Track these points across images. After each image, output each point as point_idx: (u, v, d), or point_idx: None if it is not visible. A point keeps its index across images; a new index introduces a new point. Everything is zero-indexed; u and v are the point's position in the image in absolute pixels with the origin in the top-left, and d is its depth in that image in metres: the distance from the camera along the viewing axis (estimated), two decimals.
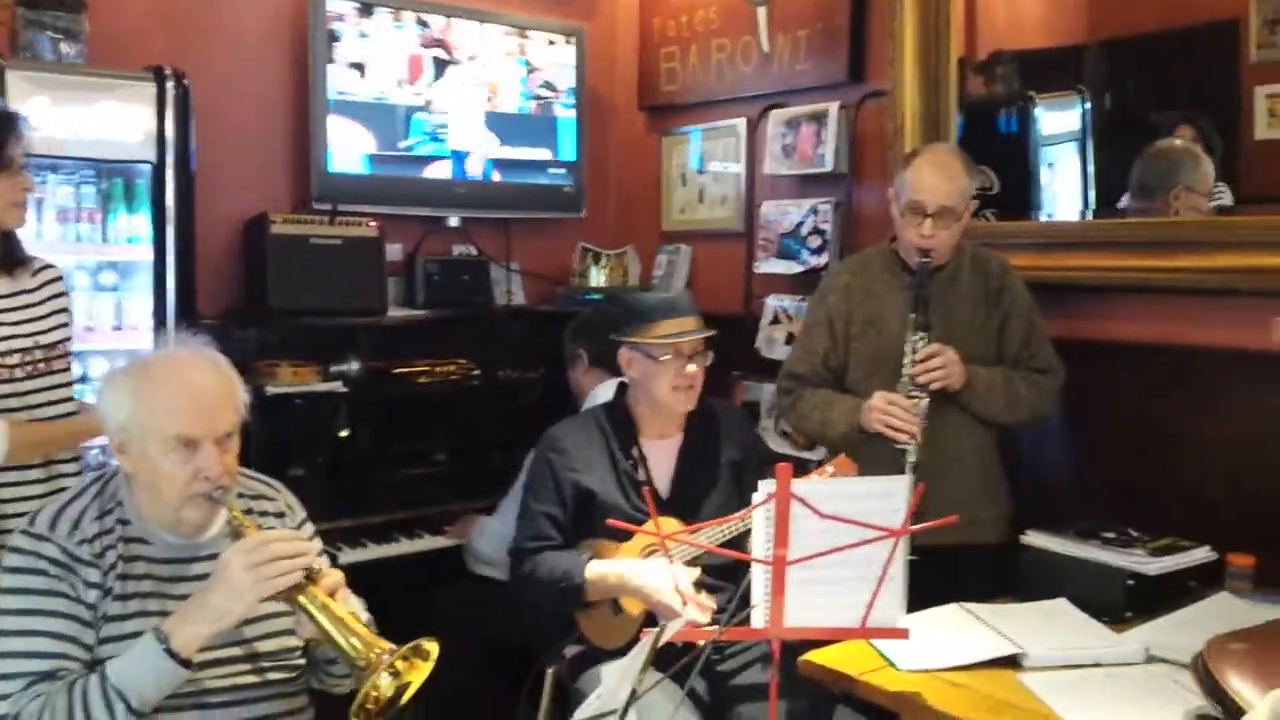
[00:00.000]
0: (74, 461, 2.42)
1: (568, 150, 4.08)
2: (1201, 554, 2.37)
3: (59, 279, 2.48)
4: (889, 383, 2.58)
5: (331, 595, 1.78)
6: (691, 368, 2.52)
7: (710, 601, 2.32)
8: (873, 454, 2.53)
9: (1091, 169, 3.25)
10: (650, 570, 2.36)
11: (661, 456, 2.60)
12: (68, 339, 2.48)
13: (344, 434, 3.37)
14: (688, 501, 2.52)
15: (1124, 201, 3.09)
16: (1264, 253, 2.54)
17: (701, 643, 1.82)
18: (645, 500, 2.39)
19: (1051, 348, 2.71)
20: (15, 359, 2.33)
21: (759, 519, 1.84)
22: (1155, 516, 2.49)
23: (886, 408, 2.52)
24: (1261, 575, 2.36)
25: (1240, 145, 2.89)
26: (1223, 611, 2.21)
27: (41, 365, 2.37)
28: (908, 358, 2.53)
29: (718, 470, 2.59)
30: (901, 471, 2.41)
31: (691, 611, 2.25)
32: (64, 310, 2.47)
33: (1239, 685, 1.66)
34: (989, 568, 2.59)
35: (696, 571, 2.36)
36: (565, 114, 4.07)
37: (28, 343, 2.36)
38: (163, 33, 3.35)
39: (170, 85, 3.02)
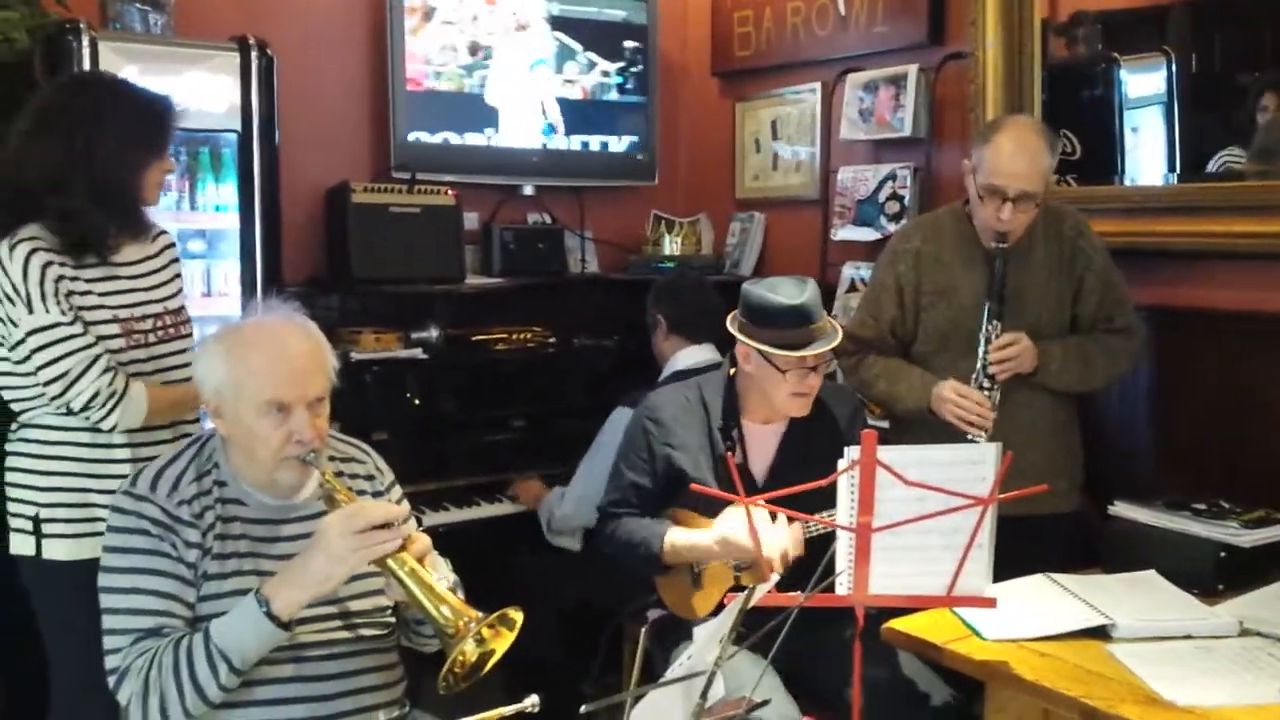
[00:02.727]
0: (196, 423, 2.48)
1: (640, 118, 4.07)
2: None
3: (174, 244, 2.54)
4: (958, 359, 2.54)
5: (420, 560, 1.82)
6: (813, 378, 2.41)
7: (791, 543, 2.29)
8: (941, 425, 2.50)
9: (1177, 133, 3.16)
10: (727, 521, 2.32)
11: (763, 442, 2.52)
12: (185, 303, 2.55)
13: (416, 401, 3.41)
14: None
15: (1214, 163, 3.00)
16: None
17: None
18: (729, 486, 2.38)
19: (1130, 307, 2.63)
20: (148, 324, 2.39)
21: (844, 486, 1.84)
22: (1246, 488, 2.44)
23: (960, 400, 2.47)
24: None
25: None
26: None
27: (171, 330, 2.43)
28: (981, 347, 2.47)
29: (821, 462, 2.49)
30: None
31: (780, 537, 2.24)
32: (180, 275, 2.53)
33: None
34: (1061, 537, 2.55)
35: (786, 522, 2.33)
36: (638, 80, 4.06)
37: (158, 308, 2.42)
38: (243, 3, 3.40)
39: (254, 55, 3.06)
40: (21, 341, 2.24)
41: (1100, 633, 2.01)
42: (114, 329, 2.32)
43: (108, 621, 1.82)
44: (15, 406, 2.36)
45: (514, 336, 3.63)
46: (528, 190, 3.95)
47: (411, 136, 3.61)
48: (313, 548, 1.79)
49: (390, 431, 3.09)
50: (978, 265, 2.57)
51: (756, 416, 2.53)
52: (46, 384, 2.24)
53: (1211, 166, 2.99)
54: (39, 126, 2.30)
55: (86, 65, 2.81)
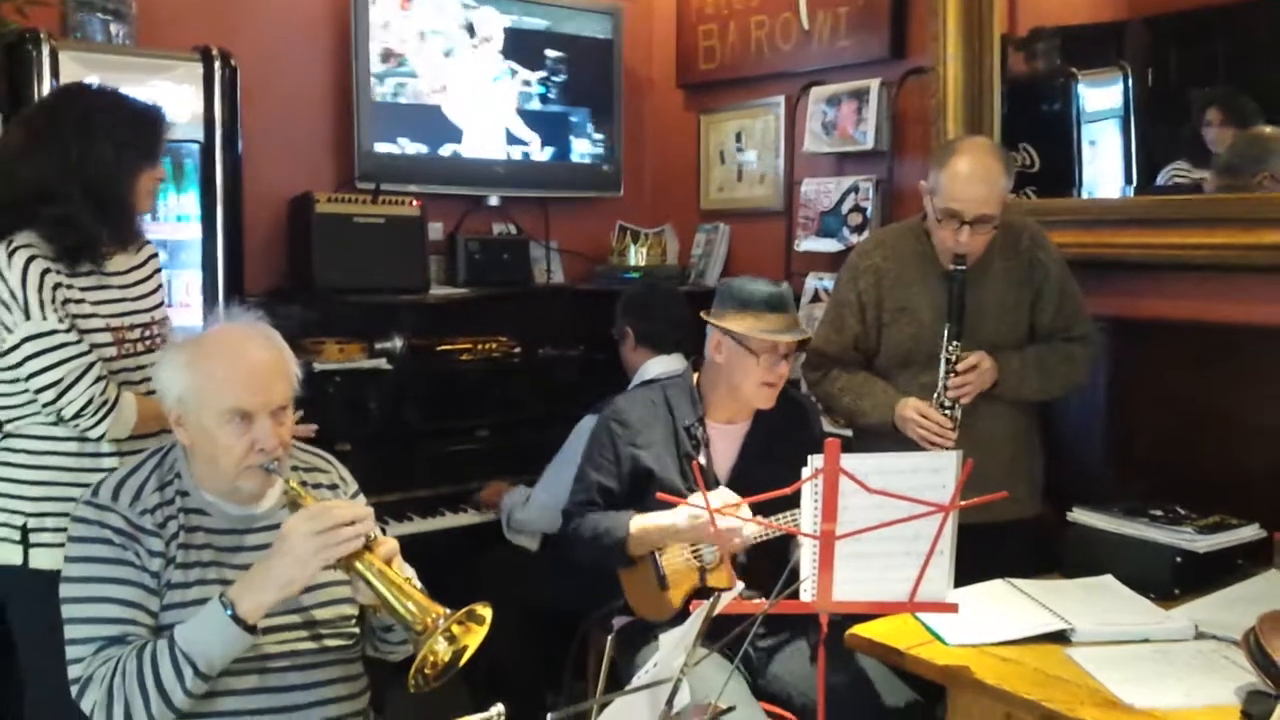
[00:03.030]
0: None
1: (605, 129, 4.09)
2: (1250, 532, 2.36)
3: (158, 254, 2.54)
4: (920, 373, 2.58)
5: (388, 563, 1.81)
6: (783, 367, 2.48)
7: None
8: (905, 437, 2.53)
9: (1133, 146, 3.22)
10: (692, 510, 2.34)
11: (726, 442, 2.57)
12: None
13: (380, 411, 3.40)
14: (746, 490, 2.51)
15: (1163, 176, 3.06)
16: None
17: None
18: (697, 478, 2.40)
19: (1087, 315, 2.68)
20: (136, 333, 2.39)
21: (808, 494, 1.85)
22: (1201, 494, 2.48)
23: (922, 421, 2.50)
24: None
25: None
26: (1272, 589, 2.21)
27: (158, 339, 2.43)
28: (942, 368, 2.50)
29: (782, 462, 2.53)
30: None
31: (735, 521, 2.27)
32: (163, 285, 2.53)
33: None
34: (1022, 543, 2.58)
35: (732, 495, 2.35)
36: (603, 93, 4.08)
37: (145, 318, 2.42)
38: (206, 13, 3.38)
39: (217, 65, 3.05)
40: (16, 347, 2.23)
41: (1060, 637, 2.04)
42: (106, 337, 2.32)
43: (70, 631, 1.80)
44: (2, 415, 2.34)
45: (479, 347, 3.63)
46: (493, 201, 3.95)
47: (376, 147, 3.60)
48: (277, 550, 1.77)
49: (354, 442, 3.07)
50: (937, 282, 2.59)
51: (720, 416, 2.57)
52: (39, 391, 2.23)
53: (1160, 180, 3.06)
54: (31, 137, 2.30)
55: (47, 75, 2.79)
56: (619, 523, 2.46)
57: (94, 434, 2.27)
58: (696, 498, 2.32)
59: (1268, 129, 2.84)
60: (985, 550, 2.31)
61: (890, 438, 2.55)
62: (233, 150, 3.10)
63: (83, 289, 2.30)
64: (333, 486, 2.08)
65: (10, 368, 2.26)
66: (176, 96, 3.01)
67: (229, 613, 1.73)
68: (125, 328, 2.36)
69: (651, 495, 2.37)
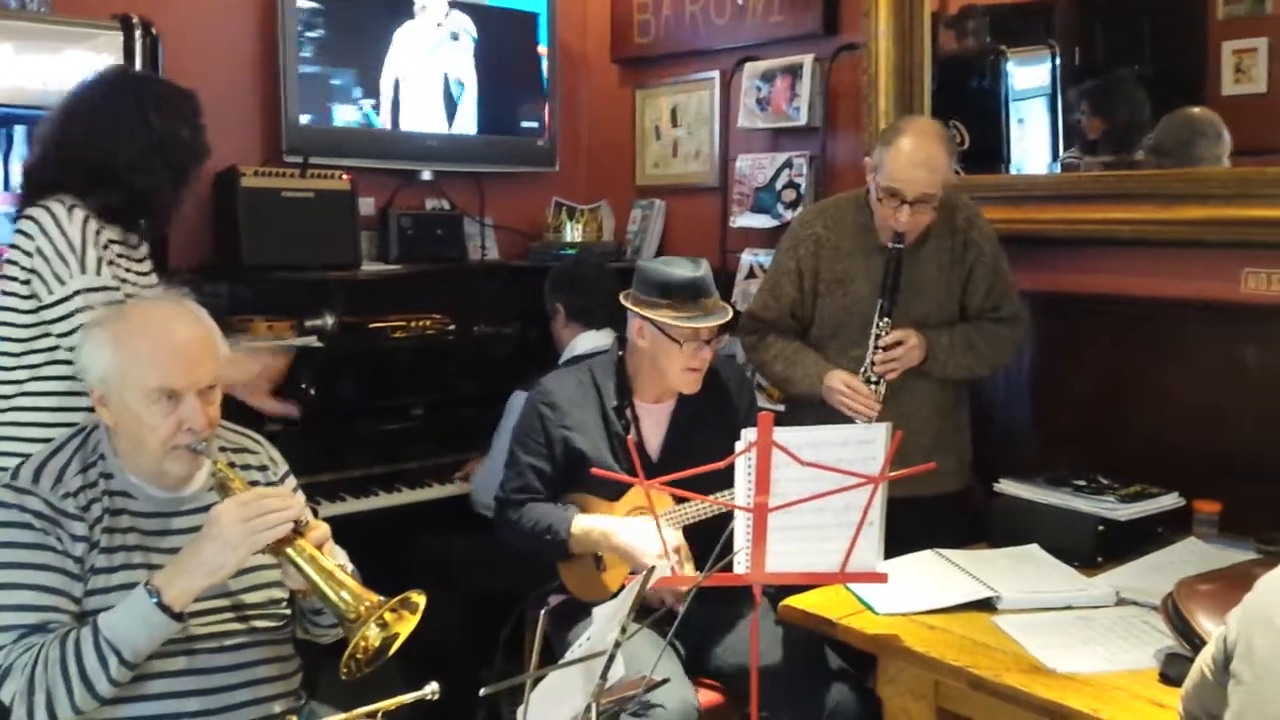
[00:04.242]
0: None
1: (540, 104, 4.06)
2: (1169, 500, 2.43)
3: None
4: (850, 346, 2.61)
5: (319, 548, 1.79)
6: (706, 352, 2.48)
7: (692, 570, 2.33)
8: (831, 410, 2.56)
9: (1060, 123, 3.28)
10: (636, 530, 2.37)
11: (655, 420, 2.58)
12: None
13: (311, 390, 3.35)
14: (678, 467, 2.51)
15: (1065, 155, 3.13)
16: (1232, 205, 2.58)
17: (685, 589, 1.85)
18: (627, 464, 2.41)
19: (1017, 296, 2.72)
20: None
21: (741, 467, 1.87)
22: (1124, 464, 2.55)
23: (847, 392, 2.53)
24: (1226, 521, 2.43)
25: (1207, 101, 2.92)
26: (1190, 556, 2.28)
27: None
28: (871, 343, 2.54)
29: (712, 436, 2.49)
30: None
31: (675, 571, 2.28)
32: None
33: (1208, 625, 1.72)
34: (951, 515, 2.64)
35: (680, 536, 2.37)
36: (537, 67, 4.04)
37: (150, 294, 2.46)
38: None
39: (138, 34, 2.95)
40: (67, 299, 2.24)
41: (987, 605, 2.09)
42: None
43: None
44: (19, 375, 2.33)
45: (412, 324, 3.58)
46: (426, 176, 3.89)
47: (304, 120, 3.53)
48: (205, 535, 1.75)
49: (284, 421, 3.02)
50: (875, 255, 2.62)
51: (648, 396, 2.58)
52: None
53: (1056, 166, 3.13)
54: (114, 114, 2.38)
55: None
56: (561, 522, 2.45)
57: None
58: (630, 525, 2.37)
59: (1195, 110, 2.90)
60: (916, 522, 2.37)
61: (821, 410, 2.58)
62: None
63: (117, 255, 2.40)
64: (262, 468, 2.05)
65: (53, 320, 2.27)
66: (95, 66, 2.88)
67: (154, 600, 1.70)
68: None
69: (586, 477, 2.37)
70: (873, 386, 2.53)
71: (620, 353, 2.62)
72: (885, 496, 1.91)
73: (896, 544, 2.28)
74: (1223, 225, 2.59)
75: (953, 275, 2.67)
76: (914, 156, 2.49)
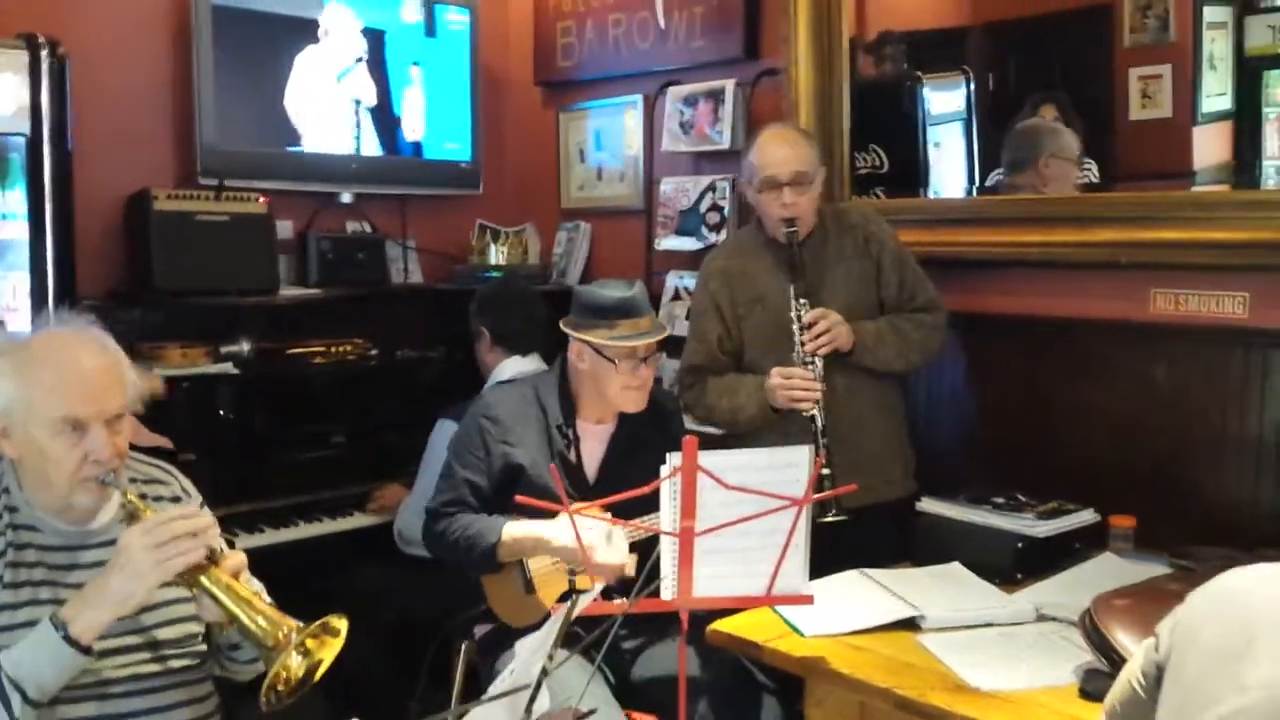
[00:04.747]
0: None
1: (463, 126, 4.03)
2: (1086, 516, 2.48)
3: None
4: (785, 355, 2.63)
5: (235, 576, 1.74)
6: (644, 370, 2.50)
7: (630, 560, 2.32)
8: (785, 429, 2.58)
9: (975, 148, 3.35)
10: (570, 528, 2.32)
11: (594, 441, 2.58)
12: None
13: (229, 419, 3.27)
14: (614, 489, 2.49)
15: (991, 179, 3.21)
16: (1141, 227, 2.65)
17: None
18: (568, 479, 2.40)
19: (930, 284, 2.78)
20: None
21: (666, 491, 1.86)
22: (1042, 481, 2.59)
23: (785, 381, 2.57)
24: (1141, 535, 2.49)
25: (1115, 125, 3.01)
26: (1106, 571, 2.32)
27: None
28: (795, 326, 2.59)
29: (649, 460, 2.52)
30: (815, 442, 2.45)
31: (614, 556, 2.28)
32: None
33: (1124, 639, 1.75)
34: (899, 524, 2.65)
35: (621, 531, 2.35)
36: (459, 89, 4.02)
37: None
38: None
39: (45, 54, 2.87)
40: None
41: (911, 624, 2.10)
42: None
43: None
44: None
45: (332, 349, 3.52)
46: (346, 198, 3.84)
47: (220, 142, 3.46)
48: (113, 565, 1.69)
49: (199, 451, 2.94)
50: (780, 270, 2.69)
51: (590, 416, 2.59)
52: None
53: (989, 183, 3.20)
54: None
55: None
56: (490, 527, 2.43)
57: None
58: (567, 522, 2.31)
59: (1037, 118, 3.05)
60: (866, 533, 2.41)
61: (770, 439, 2.59)
62: (62, 144, 2.92)
63: None
64: (174, 499, 1.99)
65: None
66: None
67: (61, 633, 1.64)
68: None
69: (521, 493, 2.34)
70: (808, 367, 2.56)
71: (563, 372, 2.61)
72: (809, 518, 1.92)
73: (848, 556, 2.35)
74: (1132, 247, 2.66)
75: (863, 268, 2.74)
76: (774, 141, 2.68)
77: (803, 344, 2.57)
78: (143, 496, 1.88)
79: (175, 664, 1.85)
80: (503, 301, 3.27)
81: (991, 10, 3.35)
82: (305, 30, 3.65)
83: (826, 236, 2.74)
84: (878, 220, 2.81)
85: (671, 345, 2.96)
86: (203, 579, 1.71)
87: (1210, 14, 2.87)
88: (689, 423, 2.85)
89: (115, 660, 1.77)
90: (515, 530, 2.42)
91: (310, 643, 1.68)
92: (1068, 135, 2.97)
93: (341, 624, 1.70)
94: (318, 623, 1.68)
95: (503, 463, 2.50)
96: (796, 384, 2.55)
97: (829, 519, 2.34)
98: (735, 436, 2.76)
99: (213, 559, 1.72)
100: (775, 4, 3.37)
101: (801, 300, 2.59)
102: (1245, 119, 2.84)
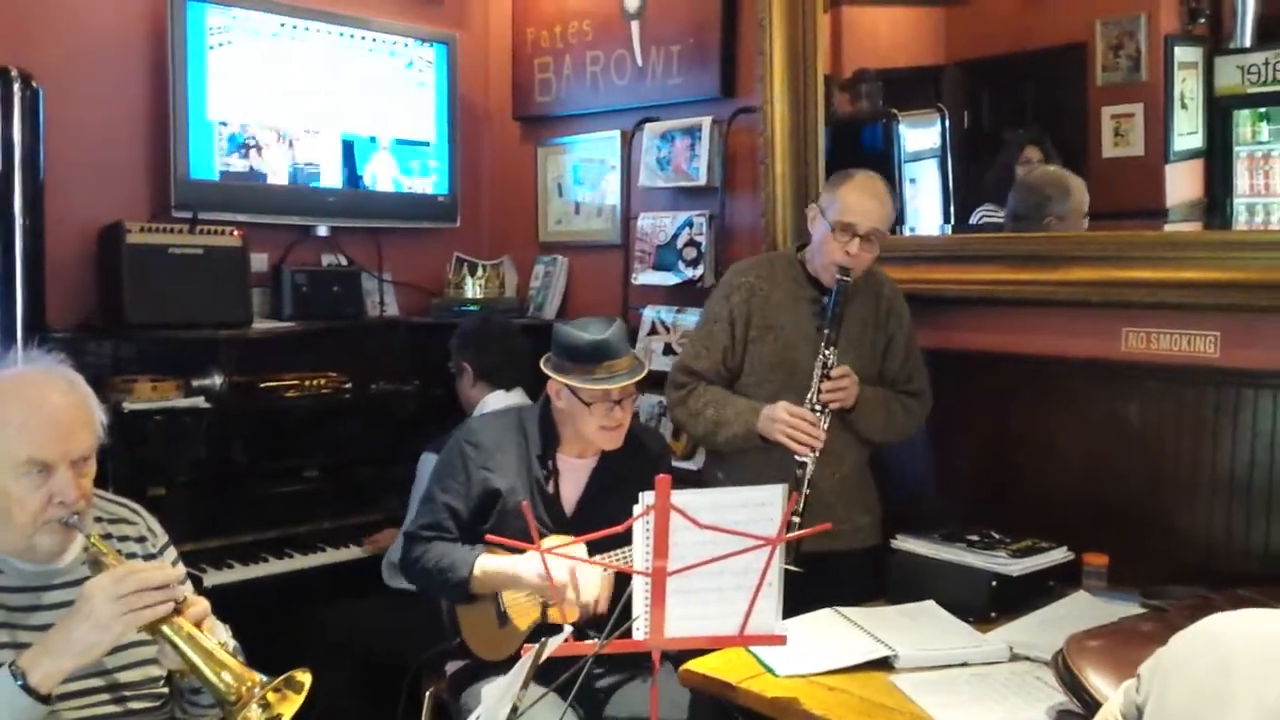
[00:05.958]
0: None
1: (440, 160, 4.04)
2: (1059, 554, 2.48)
3: None
4: (780, 392, 2.63)
5: (198, 625, 1.72)
6: (618, 412, 2.48)
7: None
8: (757, 461, 2.58)
9: (950, 185, 3.38)
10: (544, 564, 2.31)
11: (575, 475, 2.57)
12: None
13: (200, 453, 3.24)
14: (591, 525, 2.48)
15: (976, 216, 3.22)
16: (1113, 267, 2.68)
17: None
18: (544, 512, 2.39)
19: (925, 373, 2.81)
20: None
21: (639, 531, 1.85)
22: (1016, 519, 2.60)
23: (793, 420, 2.55)
24: (1114, 574, 2.49)
25: (1088, 163, 3.04)
26: (1080, 609, 2.32)
27: None
28: (818, 372, 2.57)
29: (628, 498, 2.50)
30: (785, 480, 2.44)
31: (585, 594, 2.27)
32: None
33: (1097, 681, 1.74)
34: (865, 572, 2.66)
35: (595, 568, 2.33)
36: (437, 123, 4.03)
37: None
38: (5, 30, 3.17)
39: (17, 85, 2.86)
40: None
41: (884, 664, 2.09)
42: None
43: None
44: None
45: (306, 383, 3.50)
46: (322, 231, 3.83)
47: (194, 174, 3.45)
48: (76, 614, 1.66)
49: (169, 487, 2.91)
50: (804, 306, 2.69)
51: (571, 450, 2.59)
52: None
53: (973, 220, 3.21)
54: None
55: None
56: (465, 560, 2.42)
57: None
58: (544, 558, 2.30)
59: (1037, 173, 3.06)
60: (826, 580, 2.38)
61: (744, 460, 2.61)
62: (34, 177, 2.90)
63: None
64: (141, 539, 1.96)
65: None
66: None
67: (19, 682, 1.60)
68: None
69: (500, 521, 2.35)
70: (819, 415, 2.55)
71: (545, 405, 2.60)
72: (784, 558, 1.91)
73: (813, 602, 2.34)
74: (1104, 286, 2.68)
75: (877, 337, 2.75)
76: (865, 191, 2.61)
77: (820, 391, 2.56)
78: (108, 536, 1.85)
79: (136, 706, 1.81)
80: (483, 337, 3.26)
81: (966, 49, 3.39)
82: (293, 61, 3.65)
83: (855, 293, 2.69)
84: (902, 299, 2.81)
85: (647, 378, 2.96)
86: (164, 628, 1.68)
87: (1181, 54, 2.92)
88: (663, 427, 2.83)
89: (75, 703, 1.74)
90: (488, 565, 2.41)
91: (272, 696, 1.65)
92: (1077, 193, 2.95)
93: (305, 678, 1.68)
94: (281, 677, 1.66)
95: (482, 488, 2.50)
96: (803, 427, 2.54)
97: (788, 567, 2.32)
98: (714, 453, 2.78)
99: (177, 608, 1.70)
100: (751, 43, 3.40)
101: (831, 349, 2.57)
102: (1216, 157, 2.88)
